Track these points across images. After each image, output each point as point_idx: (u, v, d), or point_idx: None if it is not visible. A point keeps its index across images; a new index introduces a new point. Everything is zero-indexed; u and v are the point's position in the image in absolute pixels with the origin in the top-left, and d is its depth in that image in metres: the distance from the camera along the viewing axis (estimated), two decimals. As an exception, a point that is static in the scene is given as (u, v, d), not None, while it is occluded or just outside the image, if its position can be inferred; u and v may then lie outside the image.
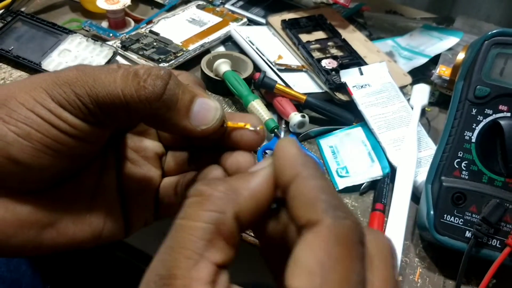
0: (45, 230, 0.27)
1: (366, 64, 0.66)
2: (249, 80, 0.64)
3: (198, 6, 0.80)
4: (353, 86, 0.61)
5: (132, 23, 0.76)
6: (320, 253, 0.18)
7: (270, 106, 0.62)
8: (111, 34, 0.72)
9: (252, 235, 0.48)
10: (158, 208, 0.32)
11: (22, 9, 0.75)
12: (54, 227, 0.27)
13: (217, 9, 0.80)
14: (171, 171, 0.32)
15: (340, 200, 0.21)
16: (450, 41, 0.74)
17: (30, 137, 0.24)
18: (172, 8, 0.81)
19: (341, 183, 0.53)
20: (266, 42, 0.71)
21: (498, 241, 0.45)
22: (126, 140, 0.31)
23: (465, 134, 0.48)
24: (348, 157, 0.57)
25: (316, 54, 0.68)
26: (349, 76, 0.62)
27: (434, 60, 0.71)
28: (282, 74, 0.65)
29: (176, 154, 0.32)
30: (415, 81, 0.67)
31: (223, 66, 0.64)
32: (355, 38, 0.73)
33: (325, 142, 0.59)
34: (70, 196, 0.28)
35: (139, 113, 0.25)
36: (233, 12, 0.80)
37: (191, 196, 0.22)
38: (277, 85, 0.61)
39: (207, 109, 0.27)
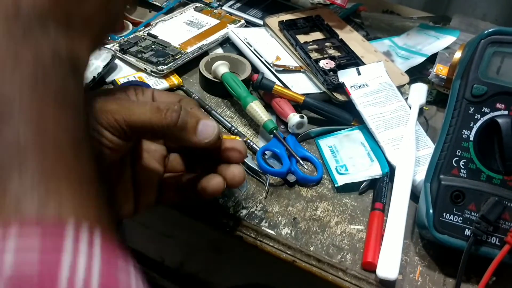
0: None
1: (363, 64, 0.66)
2: (247, 82, 0.64)
3: (196, 9, 0.80)
4: (351, 86, 0.61)
5: (130, 26, 0.77)
6: None
7: (268, 107, 0.62)
8: (109, 38, 0.72)
9: (253, 236, 0.48)
10: (160, 196, 0.43)
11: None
12: None
13: (215, 11, 0.80)
14: (171, 169, 0.44)
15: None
16: (447, 40, 0.75)
17: None
18: (170, 10, 0.81)
19: (341, 180, 0.54)
20: (264, 44, 0.71)
21: (498, 239, 0.45)
22: (141, 143, 0.42)
23: (463, 132, 0.49)
24: (347, 156, 0.57)
25: (314, 55, 0.68)
26: (346, 76, 0.62)
27: (431, 59, 0.71)
28: (280, 75, 0.66)
29: (175, 156, 0.45)
30: (412, 80, 0.67)
31: (222, 68, 0.64)
32: (352, 38, 0.73)
33: (324, 142, 0.59)
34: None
35: (161, 134, 0.38)
36: (230, 14, 0.80)
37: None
38: (275, 86, 0.62)
39: (208, 128, 0.38)
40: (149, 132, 0.37)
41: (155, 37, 0.72)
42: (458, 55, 0.62)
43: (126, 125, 0.35)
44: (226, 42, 0.75)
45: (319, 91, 0.65)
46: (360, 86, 0.62)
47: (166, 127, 0.36)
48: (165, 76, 0.66)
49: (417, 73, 0.71)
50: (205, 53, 0.71)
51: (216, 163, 0.43)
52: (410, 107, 0.60)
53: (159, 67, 0.65)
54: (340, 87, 0.63)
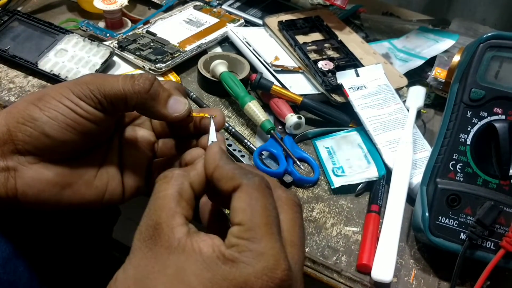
0: (64, 190, 0.38)
1: (362, 65, 0.66)
2: (245, 81, 0.64)
3: (195, 7, 0.80)
4: (349, 88, 0.61)
5: (129, 23, 0.76)
6: (246, 199, 0.30)
7: (266, 107, 0.62)
8: (108, 34, 0.72)
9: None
10: (149, 182, 0.43)
11: (19, 9, 0.75)
12: (71, 187, 0.38)
13: (214, 10, 0.80)
14: (161, 154, 0.45)
15: (249, 168, 0.34)
16: (446, 43, 0.75)
17: (58, 119, 0.36)
18: (169, 8, 0.81)
19: (337, 182, 0.54)
20: (263, 43, 0.71)
21: (493, 243, 0.45)
22: (128, 130, 0.44)
23: (460, 136, 0.49)
24: (344, 158, 0.57)
25: (313, 56, 0.68)
26: (345, 78, 0.62)
27: (430, 62, 0.71)
28: (278, 75, 0.65)
29: (165, 141, 0.45)
30: (411, 83, 0.67)
31: (220, 67, 0.64)
32: (351, 39, 0.73)
33: (321, 143, 0.59)
34: (83, 167, 0.39)
35: (133, 102, 0.37)
36: (230, 13, 0.80)
37: (160, 179, 0.33)
38: (273, 86, 0.61)
39: (179, 103, 0.39)
40: (122, 101, 0.37)
41: (154, 34, 0.72)
42: (456, 58, 0.62)
43: (100, 94, 0.36)
44: (225, 41, 0.75)
45: (317, 92, 0.65)
46: (358, 88, 0.62)
47: (137, 93, 0.37)
48: (163, 74, 0.66)
49: (415, 76, 0.71)
50: (204, 52, 0.71)
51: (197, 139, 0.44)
52: (408, 110, 0.60)
53: (157, 65, 0.65)
54: (339, 89, 0.63)
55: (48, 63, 0.64)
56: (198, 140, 0.43)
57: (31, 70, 0.64)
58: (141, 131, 0.44)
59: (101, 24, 0.75)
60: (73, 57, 0.65)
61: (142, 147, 0.44)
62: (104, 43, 0.68)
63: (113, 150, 0.42)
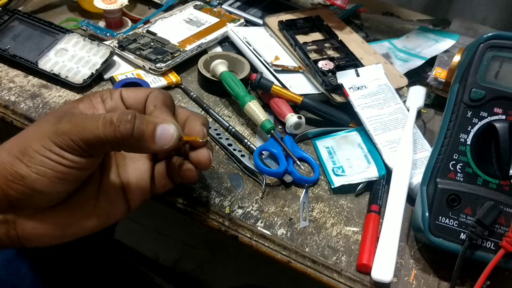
0: (66, 229, 0.39)
1: (362, 65, 0.66)
2: (246, 81, 0.64)
3: (196, 7, 0.80)
4: (350, 88, 0.61)
5: (130, 23, 0.76)
6: None
7: (266, 107, 0.62)
8: (108, 34, 0.72)
9: (248, 235, 0.48)
10: (154, 186, 0.43)
11: (19, 8, 0.75)
12: (72, 226, 0.39)
13: (215, 9, 0.80)
14: (161, 157, 0.44)
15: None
16: (446, 43, 0.75)
17: (46, 175, 0.35)
18: (170, 8, 0.81)
19: (337, 181, 0.54)
20: (263, 43, 0.71)
21: (493, 243, 0.45)
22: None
23: (460, 136, 0.49)
24: (344, 157, 0.57)
25: (313, 56, 0.68)
26: (345, 78, 0.62)
27: (430, 62, 0.71)
28: (278, 75, 0.65)
29: None
30: (411, 83, 0.67)
31: (220, 66, 0.64)
32: (351, 39, 0.73)
33: (322, 143, 0.59)
34: (80, 202, 0.39)
35: (118, 146, 0.37)
36: (230, 12, 0.80)
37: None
38: (273, 86, 0.61)
39: (167, 133, 0.37)
40: (107, 146, 0.36)
41: (154, 34, 0.72)
42: (457, 58, 0.62)
43: (83, 143, 0.35)
44: (225, 41, 0.75)
45: (317, 92, 0.65)
46: (358, 88, 0.62)
47: (121, 139, 0.36)
48: (163, 74, 0.66)
49: (415, 76, 0.71)
50: (204, 52, 0.71)
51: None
52: (408, 110, 0.60)
53: (158, 65, 0.65)
54: (339, 88, 0.63)
55: (48, 62, 0.64)
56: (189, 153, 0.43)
57: (31, 69, 0.64)
58: None
59: (101, 24, 0.75)
60: (73, 57, 0.65)
61: (142, 158, 0.43)
62: (104, 42, 0.68)
63: (109, 169, 0.42)
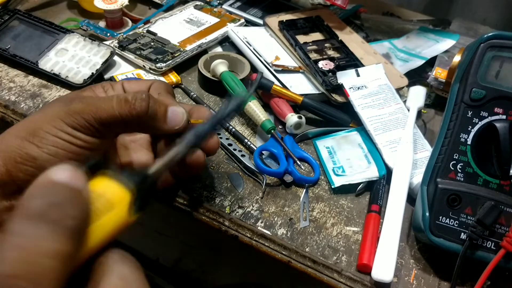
0: None
1: (362, 65, 0.66)
2: (246, 81, 0.64)
3: (196, 7, 0.80)
4: (350, 88, 0.61)
5: (130, 23, 0.76)
6: None
7: (266, 107, 0.62)
8: (108, 34, 0.72)
9: (248, 235, 0.48)
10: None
11: (18, 7, 0.74)
12: None
13: (215, 9, 0.80)
14: (162, 151, 0.44)
15: None
16: (447, 43, 0.75)
17: (58, 155, 0.35)
18: (170, 8, 0.81)
19: (337, 181, 0.53)
20: (263, 43, 0.71)
21: (493, 243, 0.45)
22: (122, 137, 0.43)
23: (460, 136, 0.49)
24: (344, 157, 0.57)
25: (313, 56, 0.68)
26: (345, 78, 0.62)
27: (431, 62, 0.71)
28: (279, 75, 0.65)
29: (163, 139, 0.45)
30: (411, 83, 0.67)
31: (220, 66, 0.64)
32: (352, 39, 0.73)
33: (322, 143, 0.59)
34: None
35: (133, 125, 0.38)
36: (230, 12, 0.80)
37: None
38: (274, 86, 0.61)
39: (177, 115, 0.39)
40: (120, 125, 0.37)
41: (154, 34, 0.72)
42: (457, 58, 0.62)
43: (96, 122, 0.36)
44: (226, 41, 0.75)
45: (317, 92, 0.65)
46: (359, 88, 0.62)
47: (136, 117, 0.36)
48: (163, 74, 0.66)
49: (416, 76, 0.71)
50: (204, 52, 0.71)
51: None
52: (409, 110, 0.60)
53: (158, 65, 0.65)
54: (339, 88, 0.62)
55: (48, 62, 0.64)
56: None
57: (32, 69, 0.64)
58: (138, 134, 0.44)
59: (102, 24, 0.75)
60: (74, 57, 0.65)
61: (143, 149, 0.44)
62: (105, 42, 0.68)
63: (113, 156, 0.42)
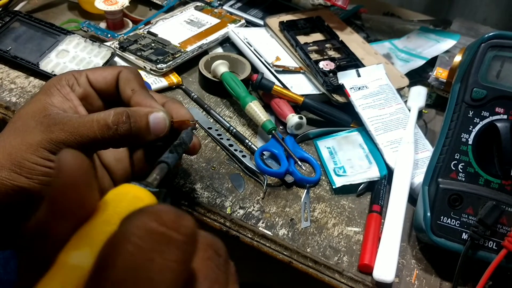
0: None
1: (363, 66, 0.66)
2: (246, 82, 0.64)
3: (196, 8, 0.80)
4: (351, 88, 0.61)
5: (130, 24, 0.76)
6: None
7: (267, 107, 0.62)
8: (109, 35, 0.72)
9: (249, 236, 0.48)
10: (133, 169, 0.44)
11: (19, 7, 0.75)
12: None
13: (215, 10, 0.80)
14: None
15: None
16: (447, 43, 0.75)
17: (42, 181, 0.35)
18: (170, 9, 0.81)
19: (338, 182, 0.53)
20: (264, 44, 0.71)
21: (495, 243, 0.45)
22: None
23: (461, 136, 0.48)
24: (345, 158, 0.57)
25: (314, 56, 0.68)
26: (346, 78, 0.62)
27: (431, 62, 0.71)
28: (279, 76, 0.65)
29: None
30: (412, 83, 0.67)
31: (221, 67, 0.64)
32: (352, 40, 0.73)
33: (323, 144, 0.59)
34: None
35: (116, 144, 0.38)
36: (231, 13, 0.80)
37: None
38: (274, 87, 0.61)
39: (159, 122, 0.38)
40: (103, 146, 0.37)
41: (155, 35, 0.72)
42: (458, 58, 0.62)
43: (80, 148, 0.35)
44: (226, 41, 0.75)
45: (318, 92, 0.65)
46: (359, 88, 0.62)
47: (120, 140, 0.37)
48: (164, 75, 0.66)
49: (417, 76, 0.71)
50: (205, 52, 0.71)
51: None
52: (410, 110, 0.60)
53: (159, 66, 0.65)
54: (340, 89, 0.62)
55: (49, 64, 0.64)
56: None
57: (33, 71, 0.64)
58: None
59: (102, 25, 0.75)
60: (75, 58, 0.65)
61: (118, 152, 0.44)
62: (105, 43, 0.68)
63: (93, 158, 0.42)
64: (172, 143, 0.38)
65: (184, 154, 0.48)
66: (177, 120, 0.41)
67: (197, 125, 0.43)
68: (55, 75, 0.63)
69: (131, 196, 0.27)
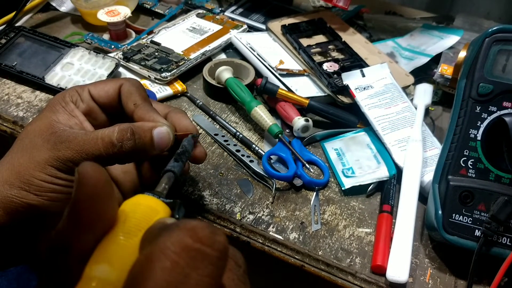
0: None
1: (367, 66, 0.66)
2: (251, 86, 0.64)
3: (198, 15, 0.81)
4: (356, 88, 0.61)
5: (133, 34, 0.77)
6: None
7: (273, 111, 0.62)
8: (112, 46, 0.72)
9: (260, 241, 0.48)
10: (141, 179, 0.44)
11: (21, 22, 0.75)
12: None
13: (217, 17, 0.80)
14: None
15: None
16: (451, 39, 0.74)
17: (58, 198, 0.36)
18: (173, 17, 0.81)
19: (347, 183, 0.53)
20: (267, 48, 0.71)
21: (508, 239, 0.45)
22: None
23: (470, 132, 0.48)
24: (353, 158, 0.57)
25: (317, 58, 0.68)
26: (351, 79, 0.62)
27: (436, 59, 0.70)
28: (284, 79, 0.65)
29: None
30: (417, 81, 0.67)
31: (225, 73, 0.64)
32: (355, 40, 0.73)
33: (330, 145, 0.59)
34: None
35: (122, 161, 0.38)
36: (233, 19, 0.80)
37: None
38: (279, 90, 0.61)
39: (163, 136, 0.39)
40: (109, 162, 0.38)
41: (158, 44, 0.72)
42: (462, 54, 0.61)
43: (82, 160, 0.36)
44: (229, 47, 0.75)
45: (323, 94, 0.64)
46: (364, 88, 0.61)
47: (124, 156, 0.37)
48: (169, 83, 0.66)
49: (421, 74, 0.70)
50: (209, 59, 0.71)
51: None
52: (416, 108, 0.60)
53: (163, 74, 0.65)
54: (345, 90, 0.62)
55: (55, 77, 0.65)
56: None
57: (38, 85, 0.64)
58: None
59: (106, 36, 0.75)
60: (79, 70, 0.66)
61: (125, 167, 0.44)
62: (109, 55, 0.68)
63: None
64: (176, 150, 0.38)
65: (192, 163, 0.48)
66: (180, 134, 0.41)
67: (200, 134, 0.43)
68: (61, 88, 0.63)
69: (146, 207, 0.28)
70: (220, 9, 0.83)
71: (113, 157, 0.37)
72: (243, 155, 0.56)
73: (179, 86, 0.66)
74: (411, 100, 0.62)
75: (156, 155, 0.40)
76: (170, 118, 0.43)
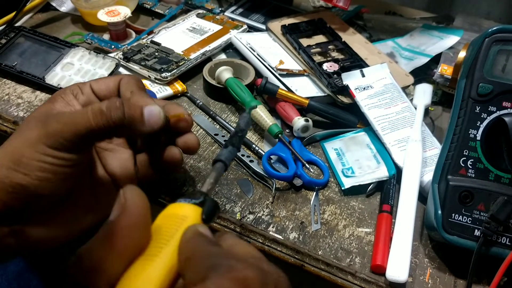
0: (72, 226, 0.40)
1: (367, 66, 0.66)
2: (251, 86, 0.64)
3: (198, 15, 0.81)
4: (355, 88, 0.61)
5: (133, 34, 0.77)
6: None
7: (273, 111, 0.62)
8: (113, 46, 0.72)
9: (260, 241, 0.48)
10: (138, 175, 0.44)
11: (21, 22, 0.75)
12: (77, 222, 0.40)
13: (217, 17, 0.80)
14: (141, 149, 0.45)
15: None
16: (451, 39, 0.74)
17: (46, 178, 0.36)
18: (173, 18, 0.82)
19: (347, 183, 0.53)
20: (267, 48, 0.71)
21: (508, 239, 0.45)
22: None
23: (469, 132, 0.48)
24: (353, 158, 0.57)
25: (317, 58, 0.68)
26: (351, 79, 0.62)
27: (436, 59, 0.71)
28: (284, 79, 0.65)
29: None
30: (417, 81, 0.67)
31: (225, 73, 0.64)
32: (355, 40, 0.73)
33: (330, 145, 0.59)
34: (79, 197, 0.40)
35: (112, 133, 0.38)
36: (233, 19, 0.80)
37: None
38: (279, 90, 0.61)
39: (154, 114, 0.39)
40: (99, 136, 0.38)
41: (158, 44, 0.72)
42: (462, 54, 0.62)
43: (77, 138, 0.36)
44: (229, 47, 0.75)
45: (323, 94, 0.64)
46: (364, 88, 0.61)
47: (113, 126, 0.37)
48: (169, 83, 0.67)
49: (421, 74, 0.70)
50: (209, 59, 0.71)
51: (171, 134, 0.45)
52: (416, 108, 0.60)
53: (163, 74, 0.66)
54: (345, 90, 0.62)
55: (55, 77, 0.65)
56: (173, 137, 0.45)
57: (39, 85, 0.64)
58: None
59: (106, 36, 0.75)
60: (80, 70, 0.66)
61: (121, 148, 0.45)
62: (110, 55, 0.68)
63: (95, 164, 0.43)
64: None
65: (189, 158, 0.48)
66: (173, 115, 0.42)
67: (190, 114, 0.45)
68: (61, 88, 0.63)
69: (177, 218, 0.29)
70: (220, 9, 0.83)
71: (103, 129, 0.36)
72: (243, 155, 0.56)
73: (179, 86, 0.66)
74: (411, 100, 0.62)
75: (153, 143, 0.41)
76: (166, 107, 0.44)
